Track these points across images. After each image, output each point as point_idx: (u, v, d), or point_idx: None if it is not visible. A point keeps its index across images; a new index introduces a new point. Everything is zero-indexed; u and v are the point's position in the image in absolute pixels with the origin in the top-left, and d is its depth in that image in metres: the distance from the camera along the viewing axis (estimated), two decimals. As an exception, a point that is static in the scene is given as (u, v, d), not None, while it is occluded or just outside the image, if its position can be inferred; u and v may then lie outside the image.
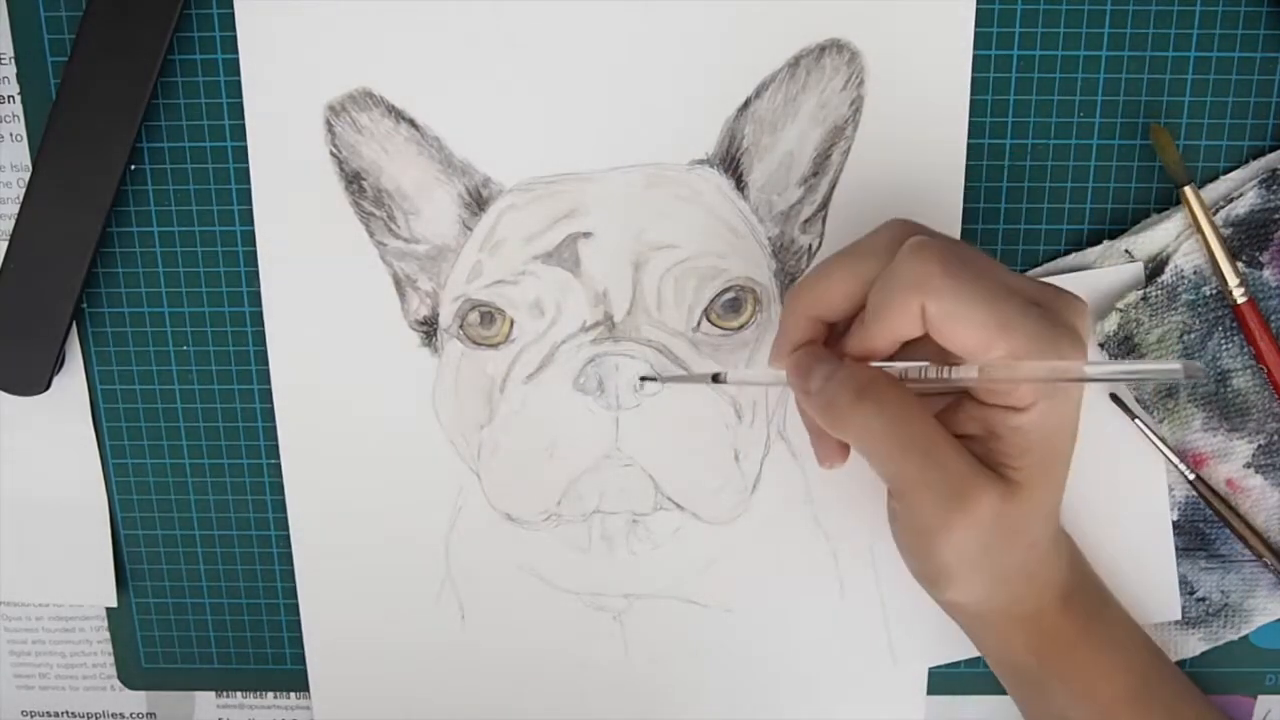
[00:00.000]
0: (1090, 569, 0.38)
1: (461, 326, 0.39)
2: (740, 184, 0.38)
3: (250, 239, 0.39)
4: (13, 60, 0.38)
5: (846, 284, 0.32)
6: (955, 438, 0.32)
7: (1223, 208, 0.38)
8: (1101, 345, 0.38)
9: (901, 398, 0.31)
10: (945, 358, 0.31)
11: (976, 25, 0.37)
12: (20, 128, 0.39)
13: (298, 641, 0.43)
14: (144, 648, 0.44)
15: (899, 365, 0.32)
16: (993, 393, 0.31)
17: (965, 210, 0.38)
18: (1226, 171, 0.38)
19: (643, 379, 0.38)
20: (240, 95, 0.38)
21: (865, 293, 0.32)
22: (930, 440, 0.31)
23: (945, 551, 0.32)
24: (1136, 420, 0.39)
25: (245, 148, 0.38)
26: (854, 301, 0.32)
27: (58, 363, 0.40)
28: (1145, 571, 0.41)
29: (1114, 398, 0.39)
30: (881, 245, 0.32)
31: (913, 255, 0.30)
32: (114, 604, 0.43)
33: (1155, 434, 0.39)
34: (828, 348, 0.34)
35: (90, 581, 0.42)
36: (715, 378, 0.36)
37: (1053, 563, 0.35)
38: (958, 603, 0.35)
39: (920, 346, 0.31)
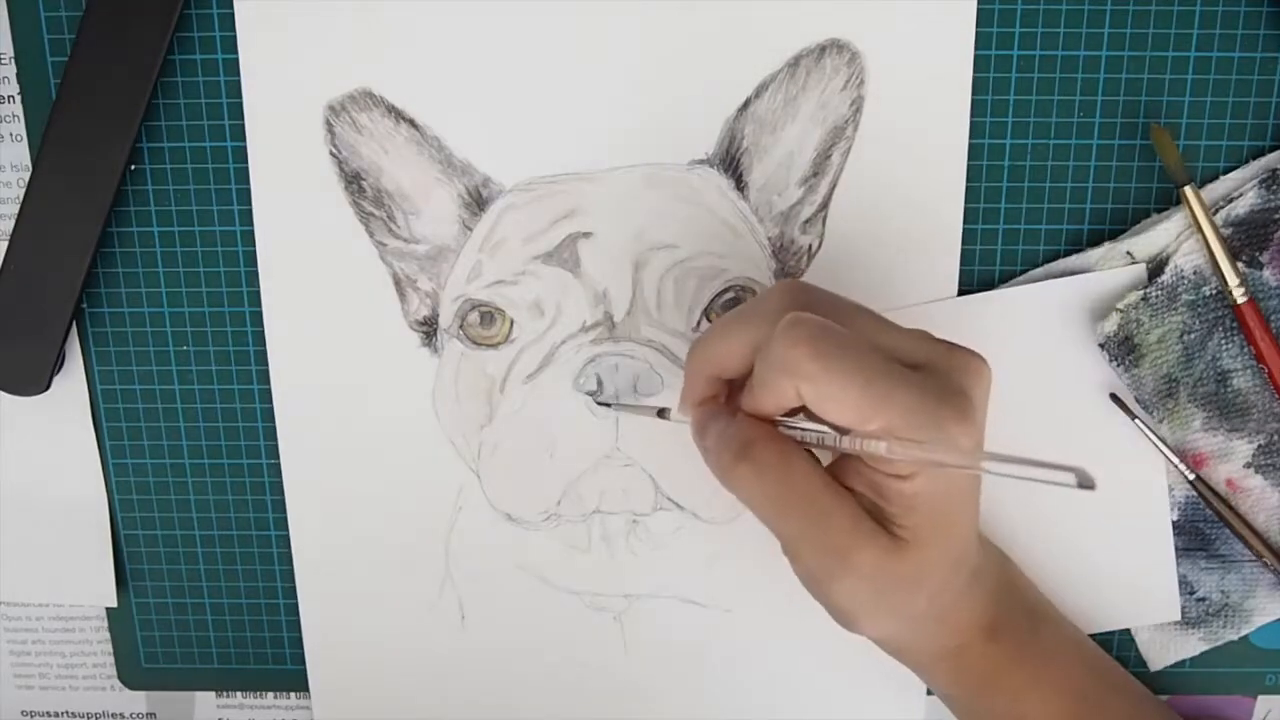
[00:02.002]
0: (1028, 590, 0.38)
1: (461, 326, 0.39)
2: (740, 184, 0.38)
3: (250, 239, 0.39)
4: (13, 60, 0.38)
5: (737, 346, 0.32)
6: (845, 489, 0.32)
7: (1223, 208, 0.38)
8: (1102, 345, 0.38)
9: (782, 457, 0.31)
10: None
11: (976, 25, 0.37)
12: (20, 128, 0.39)
13: (298, 641, 0.43)
14: (144, 648, 0.44)
15: (792, 424, 0.32)
16: (875, 458, 0.30)
17: (965, 210, 0.38)
18: (1226, 171, 0.38)
19: (599, 402, 0.38)
20: (240, 95, 0.38)
21: (753, 356, 0.32)
22: (809, 499, 0.31)
23: (837, 598, 0.32)
24: (1136, 420, 0.39)
25: (245, 148, 0.38)
26: (746, 363, 0.32)
27: (58, 363, 0.40)
28: (1145, 571, 0.41)
29: (1114, 398, 0.39)
30: (769, 311, 0.31)
31: (783, 338, 0.30)
32: (114, 604, 0.43)
33: (1155, 434, 0.39)
34: (731, 399, 0.34)
35: (90, 581, 0.42)
36: (660, 413, 0.36)
37: (970, 602, 0.35)
38: (874, 639, 0.35)
39: None
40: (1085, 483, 0.24)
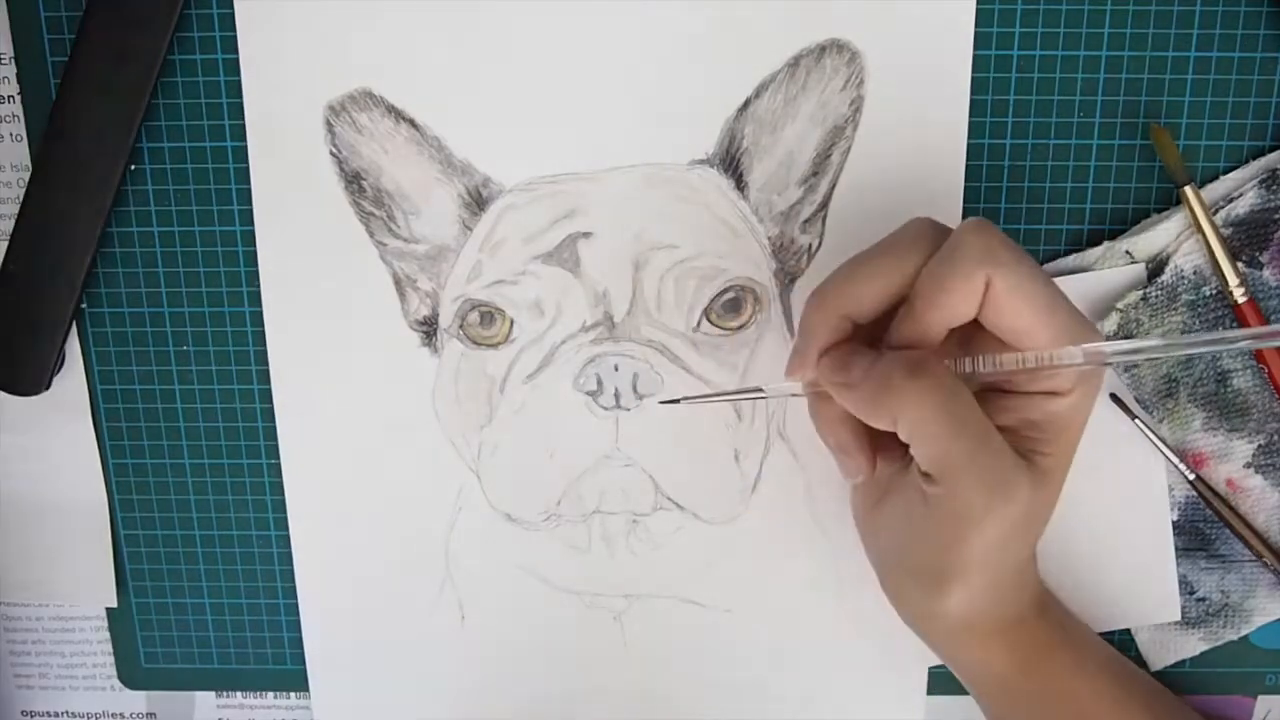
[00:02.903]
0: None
1: (461, 326, 0.39)
2: (740, 184, 0.38)
3: (250, 239, 0.39)
4: (13, 60, 0.38)
5: (885, 279, 0.32)
6: None
7: (1223, 208, 0.38)
8: (1101, 345, 0.38)
9: (955, 379, 0.31)
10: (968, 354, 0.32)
11: (976, 25, 0.37)
12: (20, 128, 0.39)
13: (298, 641, 0.43)
14: (144, 648, 0.44)
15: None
16: (1035, 379, 0.31)
17: (965, 210, 0.38)
18: (1226, 171, 0.38)
19: (662, 402, 0.38)
20: (240, 95, 0.38)
21: (903, 288, 0.32)
22: (981, 424, 0.31)
23: (974, 544, 0.31)
24: (1136, 420, 0.39)
25: (245, 148, 0.38)
26: (889, 299, 0.32)
27: (58, 363, 0.40)
28: (1145, 571, 0.41)
29: (1114, 398, 0.39)
30: (916, 238, 0.32)
31: (977, 230, 0.30)
32: (114, 604, 0.43)
33: (1155, 434, 0.39)
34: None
35: (90, 582, 0.42)
36: (756, 391, 0.36)
37: (1033, 569, 0.36)
38: (950, 612, 0.33)
39: (943, 349, 0.32)
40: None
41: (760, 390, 0.36)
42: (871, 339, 0.33)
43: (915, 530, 0.33)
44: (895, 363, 0.31)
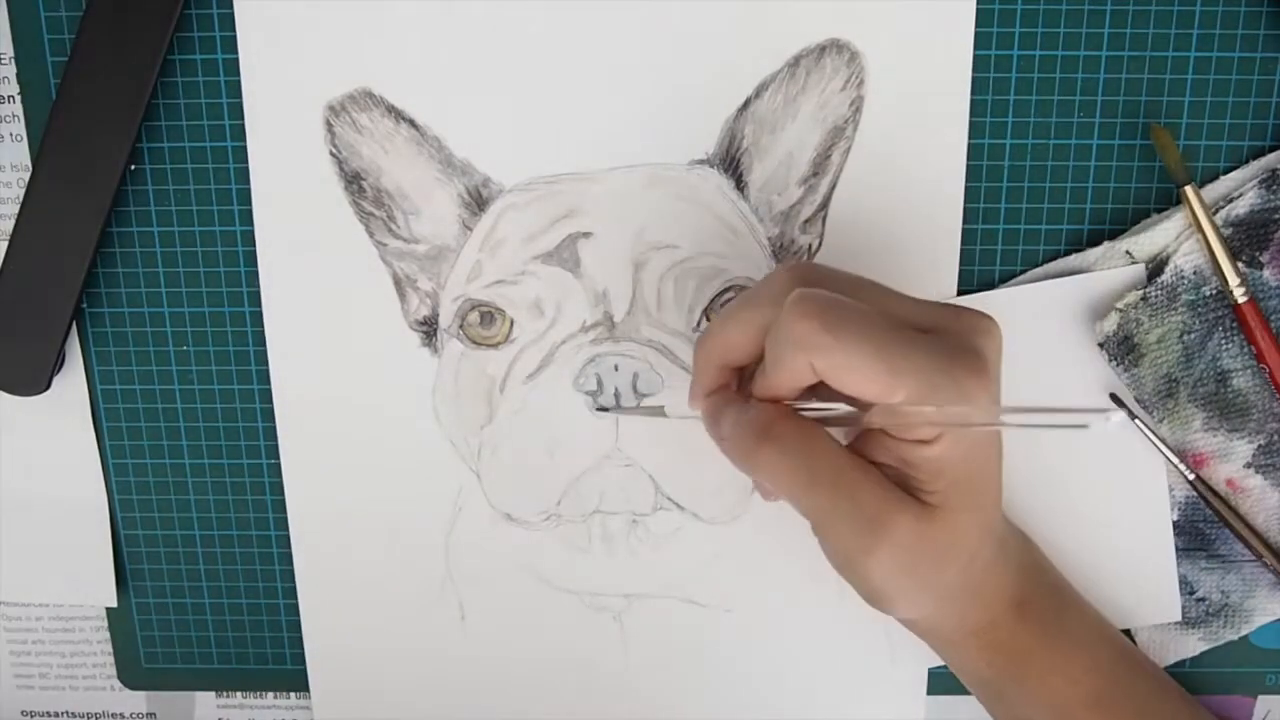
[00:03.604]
0: (1051, 572, 0.38)
1: (461, 326, 0.39)
2: (740, 184, 0.38)
3: (250, 239, 0.39)
4: (13, 60, 0.38)
5: (744, 333, 0.32)
6: (870, 464, 0.31)
7: (1223, 208, 0.38)
8: (1101, 345, 0.38)
9: (804, 434, 0.31)
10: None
11: (976, 25, 0.37)
12: (20, 128, 0.39)
13: (298, 641, 0.43)
14: (144, 648, 0.44)
15: (807, 406, 0.32)
16: (898, 428, 0.31)
17: (965, 210, 0.38)
18: (1226, 171, 0.38)
19: (599, 407, 0.39)
20: (240, 95, 0.38)
21: (761, 340, 0.32)
22: (837, 472, 0.31)
23: (873, 575, 0.31)
24: (1136, 420, 0.39)
25: (245, 148, 0.38)
26: (754, 349, 0.32)
27: (58, 363, 0.40)
28: (1145, 571, 0.41)
29: (1114, 398, 0.39)
30: (775, 293, 0.31)
31: (791, 313, 0.30)
32: (114, 604, 0.43)
33: (1155, 434, 0.39)
34: (741, 388, 0.34)
35: (90, 581, 0.42)
36: (659, 410, 0.37)
37: (999, 575, 0.35)
38: (906, 620, 0.35)
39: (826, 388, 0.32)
40: (1107, 415, 0.24)
41: (663, 409, 0.37)
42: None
43: (831, 563, 0.33)
44: (748, 426, 0.32)
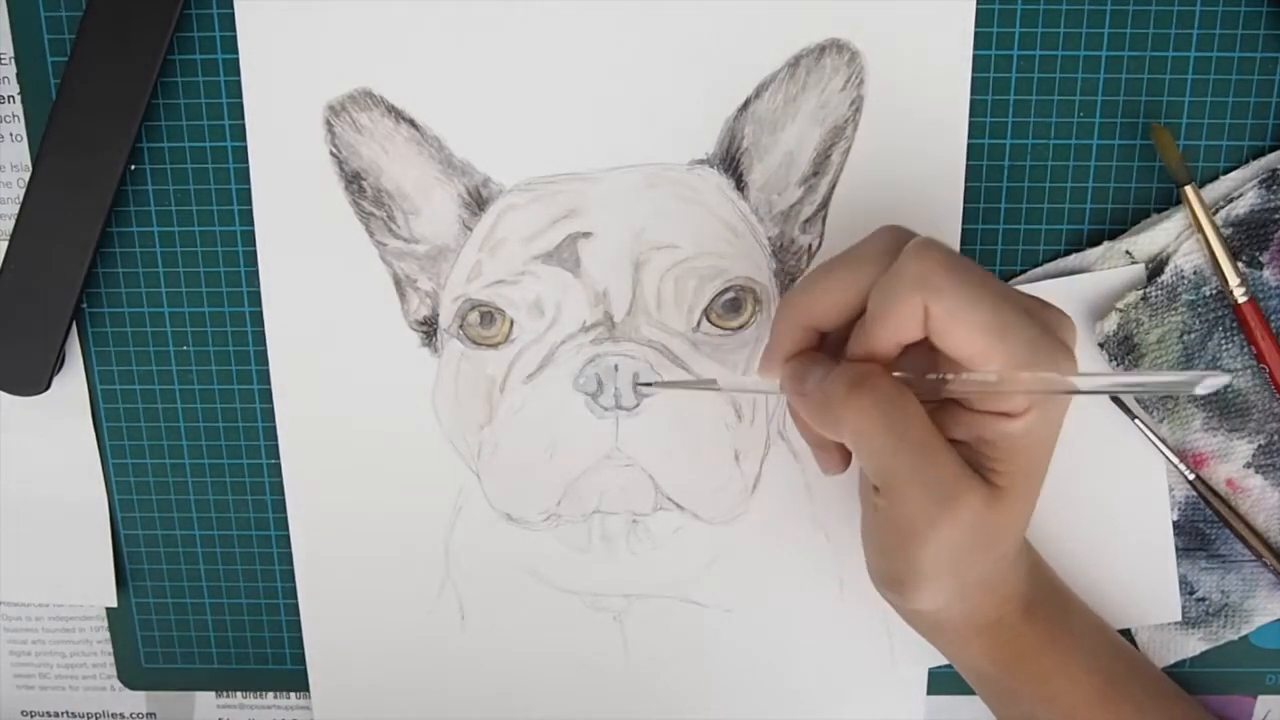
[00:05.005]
0: (1053, 578, 0.38)
1: (461, 326, 0.39)
2: (740, 184, 0.38)
3: (250, 239, 0.39)
4: (13, 60, 0.38)
5: (841, 291, 0.32)
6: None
7: (1223, 208, 0.38)
8: (1101, 345, 0.38)
9: (898, 391, 0.31)
10: (936, 366, 0.31)
11: (976, 25, 0.37)
12: (20, 128, 0.39)
13: (298, 641, 0.43)
14: (144, 648, 0.44)
15: (903, 376, 0.32)
16: (986, 399, 0.31)
17: (965, 210, 0.38)
18: (1226, 171, 0.38)
19: (640, 384, 0.38)
20: (240, 95, 0.38)
21: (860, 300, 0.32)
22: (924, 436, 0.31)
23: (924, 554, 0.31)
24: (1136, 420, 0.39)
25: (245, 148, 0.38)
26: (848, 310, 0.32)
27: (58, 363, 0.40)
28: (1145, 571, 0.41)
29: (1114, 398, 0.39)
30: (876, 251, 0.31)
31: (916, 255, 0.30)
32: (114, 604, 0.43)
33: (1155, 434, 0.39)
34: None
35: (90, 581, 0.42)
36: (710, 383, 0.37)
37: (1013, 576, 0.35)
38: (920, 610, 0.35)
39: (914, 358, 0.31)
40: (1205, 381, 0.24)
41: (715, 382, 0.37)
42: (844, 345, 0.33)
43: (873, 537, 0.33)
44: (839, 376, 0.31)
